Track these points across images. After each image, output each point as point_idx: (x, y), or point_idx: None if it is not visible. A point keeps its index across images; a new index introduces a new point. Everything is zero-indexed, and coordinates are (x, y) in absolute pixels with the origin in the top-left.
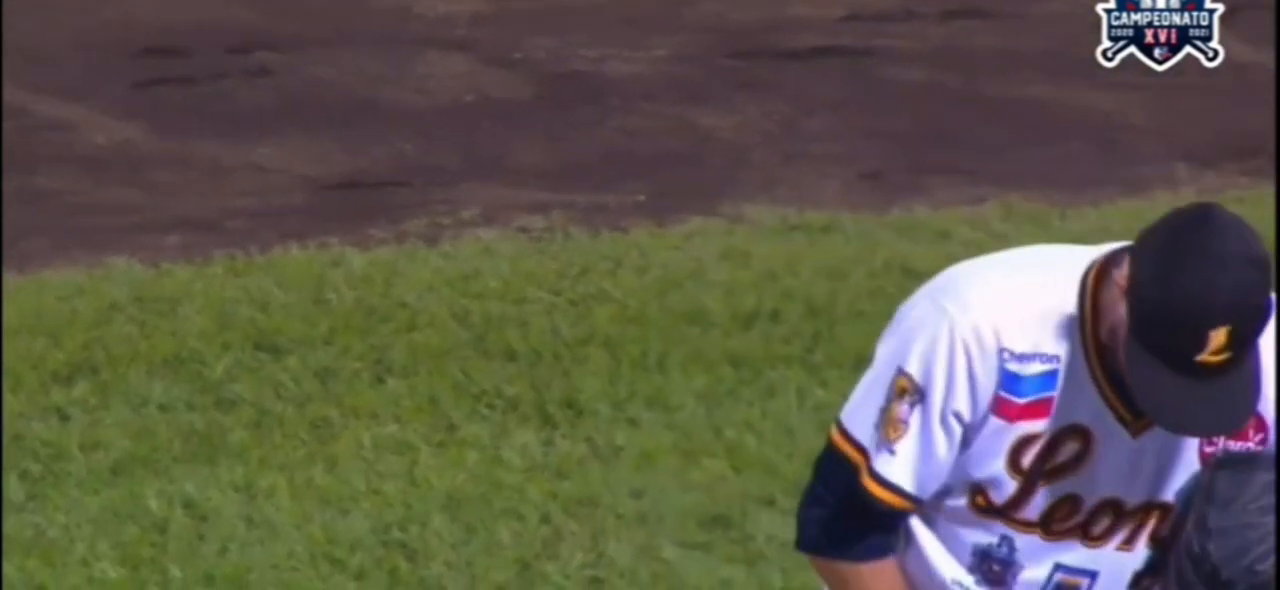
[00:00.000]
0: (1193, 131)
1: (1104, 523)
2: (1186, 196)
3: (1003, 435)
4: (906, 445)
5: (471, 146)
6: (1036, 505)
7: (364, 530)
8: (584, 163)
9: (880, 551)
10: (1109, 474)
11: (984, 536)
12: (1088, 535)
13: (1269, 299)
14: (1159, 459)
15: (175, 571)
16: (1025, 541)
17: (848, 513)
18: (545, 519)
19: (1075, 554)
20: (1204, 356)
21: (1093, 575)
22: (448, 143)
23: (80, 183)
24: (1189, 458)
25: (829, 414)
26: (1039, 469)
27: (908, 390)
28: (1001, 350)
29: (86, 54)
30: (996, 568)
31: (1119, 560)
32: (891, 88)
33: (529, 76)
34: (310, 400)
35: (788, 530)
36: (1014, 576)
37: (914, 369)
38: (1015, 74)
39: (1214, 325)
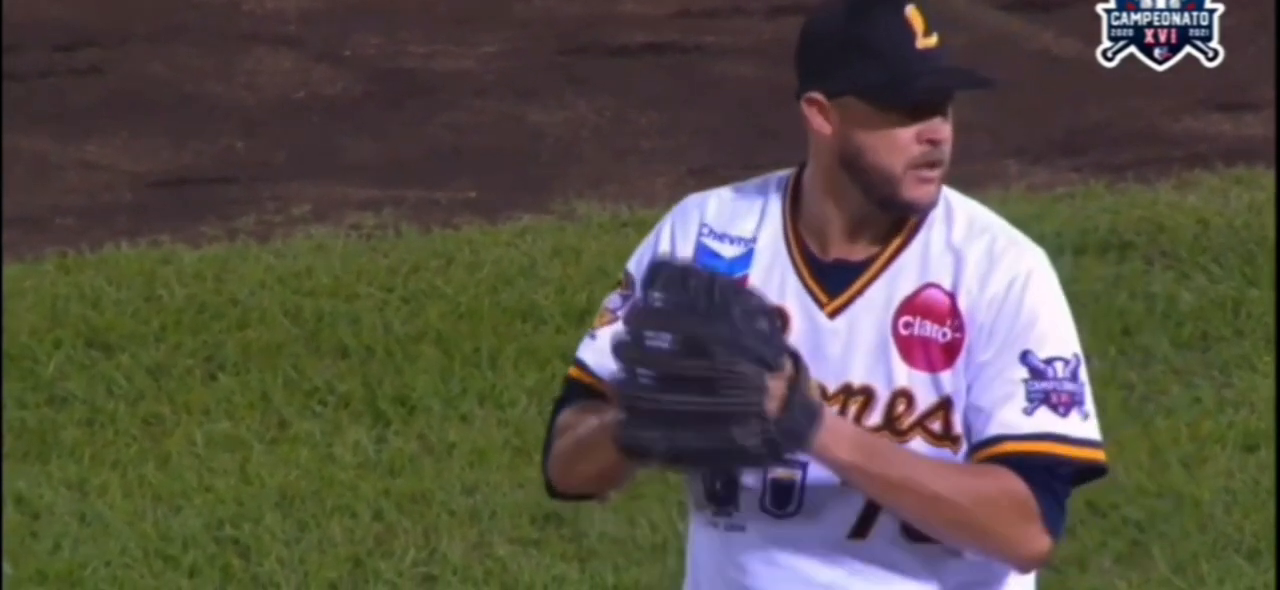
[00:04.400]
0: (1022, 129)
1: None
2: (1017, 193)
3: None
4: (610, 330)
5: (301, 143)
6: None
7: (197, 527)
8: (414, 159)
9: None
10: (805, 355)
11: None
12: None
13: None
14: (851, 339)
15: (7, 568)
16: None
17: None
18: (378, 516)
19: None
20: (919, 41)
21: (803, 465)
22: (277, 139)
23: None
24: (882, 338)
25: None
26: None
27: (622, 283)
28: (702, 226)
29: None
30: (720, 485)
31: None
32: (720, 84)
33: (358, 73)
34: (142, 397)
35: (620, 527)
36: (737, 486)
37: (631, 263)
38: None
39: (902, 8)
